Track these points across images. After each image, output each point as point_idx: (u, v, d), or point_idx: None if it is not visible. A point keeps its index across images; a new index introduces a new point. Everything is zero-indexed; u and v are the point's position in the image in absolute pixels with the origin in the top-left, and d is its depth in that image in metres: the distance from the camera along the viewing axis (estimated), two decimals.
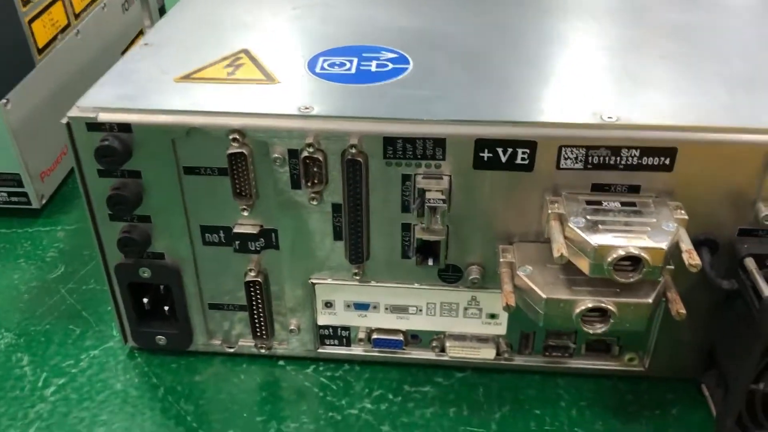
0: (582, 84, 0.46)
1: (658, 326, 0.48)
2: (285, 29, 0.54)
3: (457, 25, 0.54)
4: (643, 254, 0.38)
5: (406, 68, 0.48)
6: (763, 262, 0.42)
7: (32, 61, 0.66)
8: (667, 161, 0.41)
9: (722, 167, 0.41)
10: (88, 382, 0.52)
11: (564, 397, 0.50)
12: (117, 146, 0.43)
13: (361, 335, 0.51)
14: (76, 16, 0.74)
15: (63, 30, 0.71)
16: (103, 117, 0.43)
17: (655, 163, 0.41)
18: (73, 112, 0.44)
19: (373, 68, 0.48)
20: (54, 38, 0.69)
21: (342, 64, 0.48)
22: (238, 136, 0.43)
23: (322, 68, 0.48)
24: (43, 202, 0.69)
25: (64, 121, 0.44)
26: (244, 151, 0.43)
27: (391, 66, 0.48)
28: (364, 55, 0.49)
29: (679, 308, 0.41)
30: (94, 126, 0.44)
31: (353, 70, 0.47)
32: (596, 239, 0.39)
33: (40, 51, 0.67)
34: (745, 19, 0.55)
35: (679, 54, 0.49)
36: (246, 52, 0.50)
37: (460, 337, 0.50)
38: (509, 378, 0.51)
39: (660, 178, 0.42)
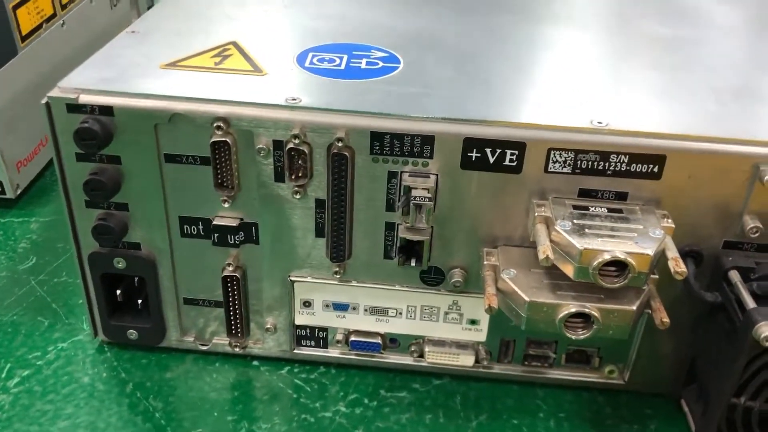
0: (573, 89, 0.46)
1: (639, 339, 0.47)
2: (275, 24, 0.53)
3: (450, 29, 0.53)
4: (629, 259, 0.38)
5: (397, 67, 0.47)
6: (747, 276, 0.42)
7: (14, 48, 0.65)
8: (656, 169, 0.41)
9: (710, 177, 0.41)
10: (53, 375, 0.50)
11: (542, 407, 0.49)
12: (97, 129, 0.42)
13: (339, 337, 0.50)
14: (63, 6, 0.73)
15: (48, 20, 0.70)
16: (85, 99, 0.42)
17: (644, 171, 0.41)
18: (54, 93, 0.43)
19: (363, 65, 0.47)
20: (39, 27, 0.68)
21: (332, 60, 0.48)
22: (222, 125, 0.42)
23: (312, 63, 0.47)
24: (18, 192, 0.67)
25: (44, 101, 0.43)
26: (228, 140, 0.42)
27: (381, 64, 0.47)
28: (354, 52, 0.49)
29: (663, 317, 0.40)
30: (74, 107, 0.42)
31: (343, 66, 0.47)
32: (582, 242, 0.38)
33: (23, 38, 0.66)
34: (731, 34, 0.55)
35: (669, 64, 0.49)
36: (235, 44, 0.49)
37: (440, 343, 0.49)
38: (487, 386, 0.50)
39: (648, 186, 0.42)
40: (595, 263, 0.38)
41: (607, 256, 0.38)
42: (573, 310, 0.39)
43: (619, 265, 0.39)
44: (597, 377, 0.49)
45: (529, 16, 0.56)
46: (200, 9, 0.55)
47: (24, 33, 0.66)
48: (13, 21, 0.64)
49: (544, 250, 0.39)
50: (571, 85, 0.46)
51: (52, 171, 0.70)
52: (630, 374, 0.49)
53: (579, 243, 0.38)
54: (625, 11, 0.59)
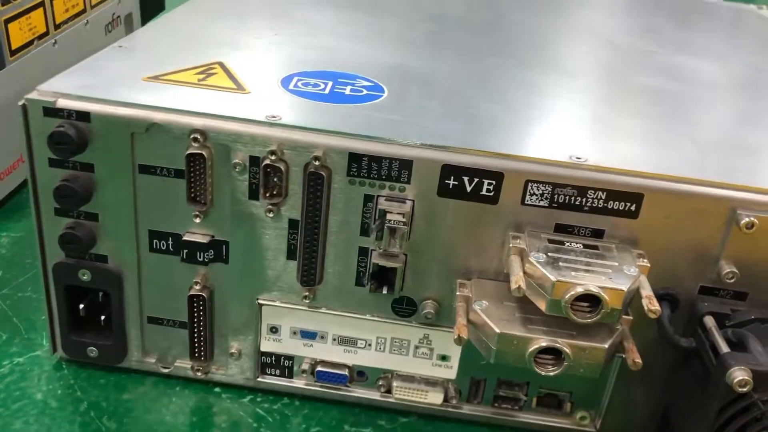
0: (555, 126, 0.46)
1: (612, 386, 0.46)
2: (263, 50, 0.54)
3: (440, 67, 0.54)
4: (603, 294, 0.37)
5: (381, 95, 0.47)
6: (722, 322, 0.41)
7: (2, 61, 0.64)
8: (633, 207, 0.41)
9: (687, 219, 0.41)
10: (5, 389, 0.48)
11: None
12: (72, 134, 0.42)
13: (305, 366, 0.48)
14: (57, 26, 0.73)
15: (40, 37, 0.70)
16: (62, 103, 0.42)
17: (621, 208, 0.41)
18: (32, 95, 0.42)
19: (348, 92, 0.47)
20: (29, 43, 0.68)
21: (316, 85, 0.48)
22: (199, 137, 0.41)
23: (296, 86, 0.47)
24: None
25: (21, 102, 0.42)
26: (204, 152, 0.42)
27: (365, 92, 0.47)
28: (339, 80, 0.49)
29: (635, 358, 0.39)
30: (51, 111, 0.42)
31: (327, 91, 0.47)
32: (556, 274, 0.37)
33: (13, 53, 0.66)
34: (715, 90, 0.56)
35: (652, 113, 0.50)
36: (221, 64, 0.49)
37: (408, 378, 0.48)
38: (455, 427, 0.49)
39: (624, 225, 0.41)
40: (568, 296, 0.37)
41: (580, 289, 0.37)
42: (544, 344, 0.38)
43: (592, 301, 0.38)
44: (568, 423, 0.48)
45: (521, 62, 0.57)
46: (191, 31, 0.56)
47: (14, 47, 0.66)
48: (3, 34, 0.64)
49: (517, 280, 0.38)
50: (554, 123, 0.46)
51: (28, 189, 0.69)
52: (602, 422, 0.47)
53: (552, 275, 0.37)
54: (614, 64, 0.60)
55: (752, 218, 0.40)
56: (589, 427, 0.48)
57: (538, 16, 0.71)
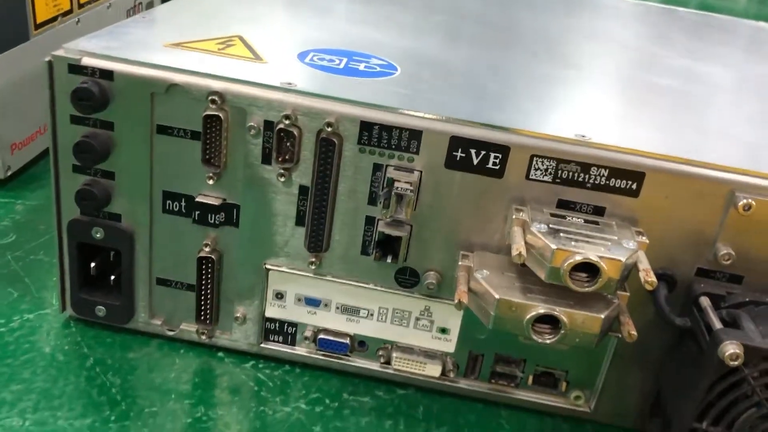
0: (562, 108, 0.47)
1: (607, 367, 0.47)
2: (281, 28, 0.55)
3: (454, 53, 0.55)
4: (601, 263, 0.38)
5: (393, 73, 0.49)
6: (718, 304, 0.42)
7: (26, 34, 0.66)
8: (634, 186, 0.42)
9: (687, 200, 0.42)
10: (14, 342, 0.49)
11: (504, 427, 0.48)
12: (95, 91, 0.43)
13: (308, 334, 0.49)
14: (81, 5, 0.75)
15: (65, 14, 0.72)
16: (87, 61, 0.43)
17: (622, 186, 0.42)
18: (58, 53, 0.44)
19: (361, 68, 0.48)
20: (54, 19, 0.70)
21: (331, 60, 0.49)
22: (217, 99, 0.43)
23: (311, 60, 0.49)
24: (9, 173, 0.68)
25: (47, 59, 0.44)
26: (220, 114, 0.43)
27: (378, 69, 0.49)
28: (354, 57, 0.50)
29: (630, 330, 0.40)
30: (76, 68, 0.43)
31: (341, 66, 0.48)
32: (556, 243, 0.39)
33: (37, 26, 0.67)
34: (723, 91, 0.57)
35: (658, 103, 0.51)
36: (240, 37, 0.51)
37: (408, 350, 0.49)
38: (451, 401, 0.49)
39: (625, 204, 0.42)
40: (567, 264, 0.38)
41: (579, 257, 0.38)
42: (542, 311, 0.39)
43: (590, 272, 0.39)
44: (563, 403, 0.49)
45: (533, 56, 0.58)
46: (212, 8, 0.57)
47: (38, 21, 0.68)
48: (29, 7, 0.66)
49: (518, 248, 0.39)
50: (561, 105, 0.48)
51: (46, 160, 0.71)
52: (596, 403, 0.48)
53: (553, 243, 0.39)
54: (626, 63, 0.61)
55: (750, 200, 0.41)
56: (584, 406, 0.49)
57: (553, 19, 0.72)
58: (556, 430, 0.49)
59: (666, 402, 0.45)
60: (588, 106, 0.49)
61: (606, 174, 0.42)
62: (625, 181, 0.42)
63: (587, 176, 0.42)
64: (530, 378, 0.49)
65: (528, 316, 0.40)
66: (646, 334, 0.44)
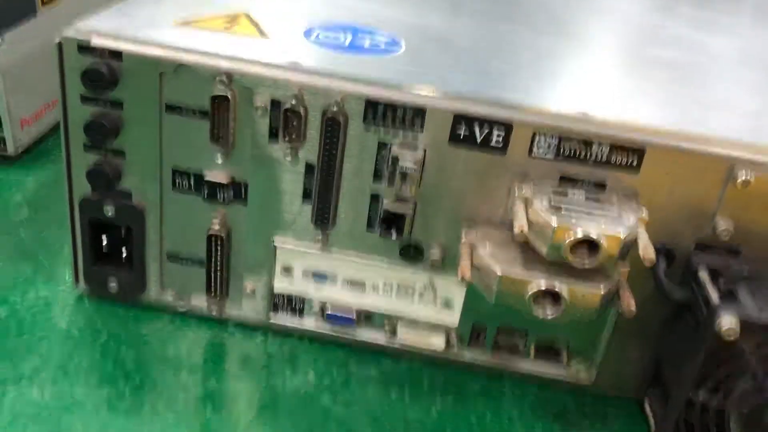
0: (564, 83, 0.47)
1: (608, 339, 0.48)
2: (288, 4, 0.56)
3: (459, 30, 0.55)
4: (601, 239, 0.39)
5: (398, 50, 0.49)
6: (716, 277, 0.43)
7: (34, 8, 0.67)
8: (635, 162, 0.42)
9: (687, 176, 0.42)
10: (30, 317, 0.51)
11: (507, 396, 0.49)
12: (105, 71, 0.44)
13: (315, 308, 0.50)
14: None
15: None
16: (97, 41, 0.44)
17: (623, 162, 0.42)
18: (68, 33, 0.44)
19: (366, 45, 0.49)
20: None
21: (336, 38, 0.49)
22: (225, 79, 0.44)
23: (317, 37, 0.49)
24: (20, 150, 0.69)
25: (57, 40, 0.44)
26: (228, 95, 0.44)
27: (383, 46, 0.49)
28: (359, 34, 0.51)
29: (629, 304, 0.41)
30: (85, 49, 0.44)
31: (346, 43, 0.49)
32: (557, 220, 0.39)
33: (44, 1, 0.68)
34: (728, 63, 0.57)
35: (660, 77, 0.51)
36: (246, 15, 0.51)
37: (413, 323, 0.50)
38: (456, 372, 0.51)
39: (626, 179, 0.43)
40: (568, 241, 0.39)
41: (579, 234, 0.39)
42: (543, 287, 0.40)
43: (591, 247, 0.40)
44: (564, 374, 0.50)
45: (537, 30, 0.58)
46: None
47: None
48: None
49: (520, 225, 0.40)
50: (563, 80, 0.48)
51: (57, 136, 0.72)
52: (597, 373, 0.49)
53: (554, 220, 0.39)
54: (629, 36, 0.62)
55: (749, 177, 0.41)
56: (585, 378, 0.50)
57: None
58: (557, 398, 0.50)
59: (665, 372, 0.46)
60: (591, 81, 0.49)
61: (607, 150, 0.42)
62: (626, 157, 0.42)
63: (589, 153, 0.42)
64: (532, 350, 0.50)
65: (530, 292, 0.41)
66: (646, 306, 0.45)
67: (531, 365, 0.50)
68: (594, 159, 0.43)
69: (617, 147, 0.42)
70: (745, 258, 0.44)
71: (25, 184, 0.66)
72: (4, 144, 0.67)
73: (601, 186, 0.43)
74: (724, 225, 0.43)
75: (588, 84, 0.49)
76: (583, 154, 0.42)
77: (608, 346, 0.48)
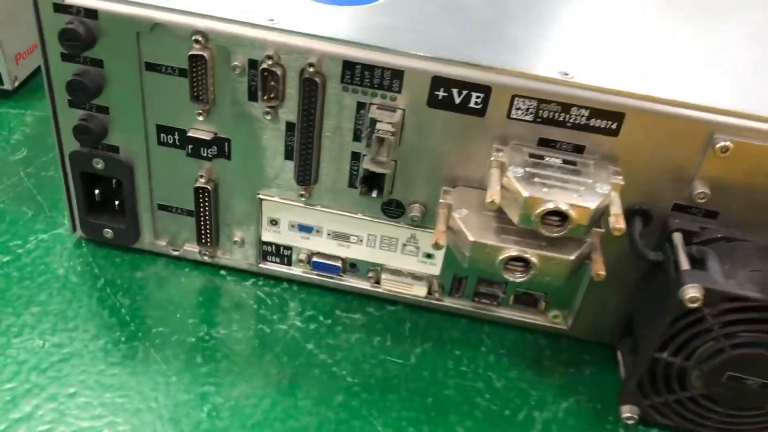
0: (547, 40, 0.46)
1: (585, 288, 0.49)
2: None
3: None
4: (570, 211, 0.39)
5: None
6: (690, 239, 0.44)
7: None
8: (614, 126, 0.42)
9: (666, 140, 0.42)
10: (31, 263, 0.53)
11: (486, 342, 0.52)
12: (81, 31, 0.43)
13: (302, 257, 0.52)
14: None
15: None
16: (71, 0, 0.43)
17: (602, 126, 0.42)
18: None
19: None
20: None
21: None
22: (200, 38, 0.43)
23: None
24: (16, 84, 0.69)
25: None
26: (205, 54, 0.44)
27: None
28: None
29: (599, 270, 0.42)
30: (60, 7, 0.44)
31: None
32: (529, 190, 0.40)
33: None
34: (714, 19, 0.54)
35: (647, 40, 0.49)
36: None
37: (396, 272, 0.51)
38: (437, 318, 0.53)
39: (605, 143, 0.43)
40: (538, 211, 0.40)
41: (550, 206, 0.39)
42: (513, 254, 0.41)
43: (561, 215, 0.40)
44: (542, 320, 0.52)
45: None
46: None
47: None
48: None
49: (492, 194, 0.40)
50: (547, 37, 0.47)
51: None
52: (573, 321, 0.51)
53: (525, 190, 0.40)
54: None
55: (727, 143, 0.41)
56: (561, 325, 0.52)
57: None
58: (534, 344, 0.52)
59: (636, 328, 0.47)
60: (573, 38, 0.48)
61: (586, 114, 0.42)
62: (605, 121, 0.42)
63: (568, 116, 0.42)
64: (511, 298, 0.51)
65: (500, 258, 0.42)
66: (623, 261, 0.46)
67: (510, 312, 0.52)
68: (573, 122, 0.42)
69: (596, 111, 0.42)
70: (722, 220, 0.44)
71: (23, 119, 0.67)
72: (0, 79, 0.68)
73: (579, 149, 0.43)
74: (701, 188, 0.43)
75: (571, 40, 0.47)
76: (561, 117, 0.42)
77: (585, 296, 0.50)
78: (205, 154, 0.48)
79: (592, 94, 0.42)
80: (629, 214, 0.44)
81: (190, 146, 0.48)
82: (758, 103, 0.42)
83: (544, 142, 0.43)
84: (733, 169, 0.42)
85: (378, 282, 0.52)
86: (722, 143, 0.41)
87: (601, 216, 0.41)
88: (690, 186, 0.43)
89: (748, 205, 0.43)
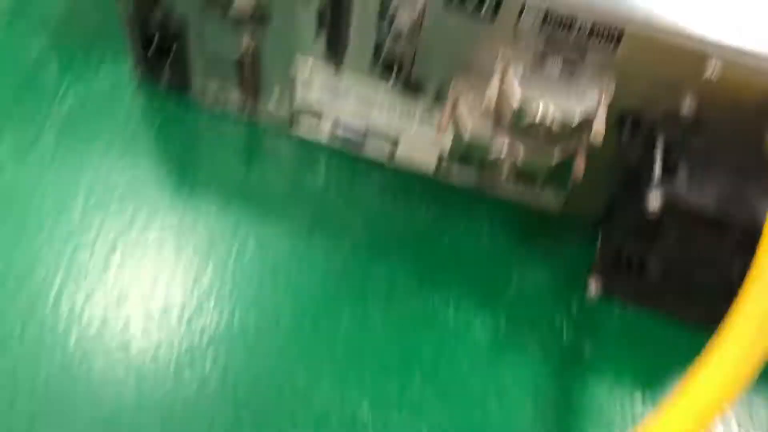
0: None
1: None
2: None
3: None
4: (557, 116, 0.44)
5: None
6: (671, 147, 0.48)
7: None
8: (612, 45, 0.45)
9: (663, 55, 0.45)
10: (100, 98, 0.61)
11: (483, 212, 0.59)
12: None
13: (329, 122, 0.59)
14: None
15: None
16: None
17: (602, 42, 0.45)
18: None
19: None
20: None
21: None
22: None
23: None
24: None
25: None
26: None
27: None
28: None
29: (578, 172, 0.47)
30: None
31: None
32: (521, 92, 0.45)
33: None
34: None
35: None
36: None
37: (410, 143, 0.58)
38: (443, 187, 0.59)
39: (605, 52, 0.46)
40: (528, 116, 0.45)
41: (540, 108, 0.44)
42: (505, 147, 0.47)
43: (551, 117, 0.45)
44: (537, 198, 0.58)
45: None
46: None
47: None
48: None
49: (489, 97, 0.45)
50: None
51: None
52: (565, 201, 0.57)
53: (519, 92, 0.45)
54: None
55: (721, 64, 0.44)
56: (553, 204, 0.58)
57: None
58: (528, 217, 0.59)
59: (614, 212, 0.53)
60: None
61: (588, 28, 0.45)
62: (606, 35, 0.45)
63: (570, 29, 0.45)
64: (511, 176, 0.57)
65: (493, 148, 0.47)
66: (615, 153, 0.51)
67: (509, 189, 0.58)
68: (575, 35, 0.45)
69: (597, 26, 0.45)
70: (707, 132, 0.48)
71: None
72: None
73: (580, 58, 0.47)
74: (691, 104, 0.46)
75: None
76: (565, 29, 0.45)
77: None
78: (246, 22, 0.53)
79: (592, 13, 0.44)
80: (620, 121, 0.48)
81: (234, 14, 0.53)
82: (752, 32, 0.44)
83: (548, 48, 0.47)
84: (725, 87, 0.45)
85: (394, 152, 0.58)
86: (717, 63, 0.44)
87: (588, 122, 0.46)
88: (682, 101, 0.46)
89: (733, 125, 0.47)
